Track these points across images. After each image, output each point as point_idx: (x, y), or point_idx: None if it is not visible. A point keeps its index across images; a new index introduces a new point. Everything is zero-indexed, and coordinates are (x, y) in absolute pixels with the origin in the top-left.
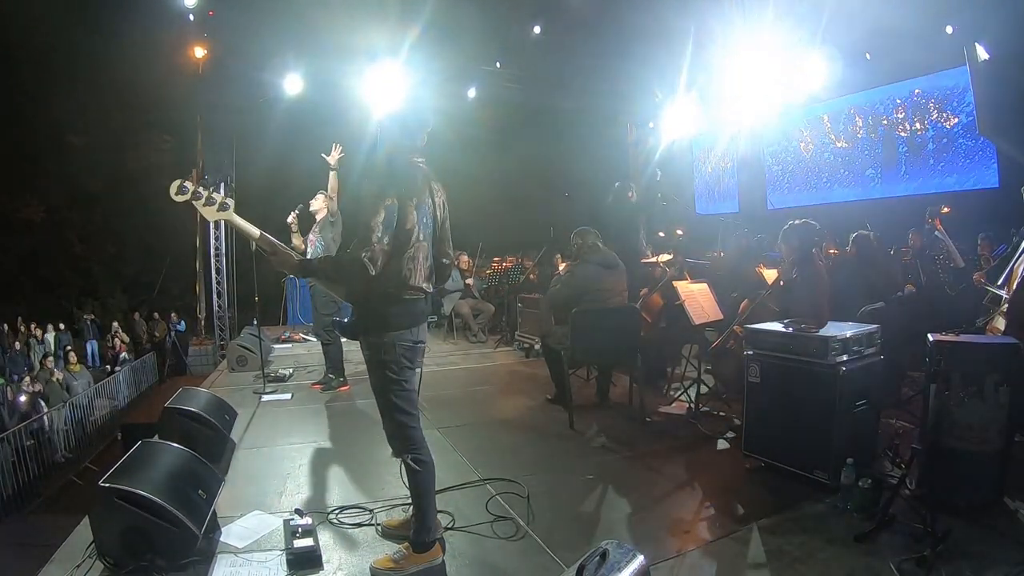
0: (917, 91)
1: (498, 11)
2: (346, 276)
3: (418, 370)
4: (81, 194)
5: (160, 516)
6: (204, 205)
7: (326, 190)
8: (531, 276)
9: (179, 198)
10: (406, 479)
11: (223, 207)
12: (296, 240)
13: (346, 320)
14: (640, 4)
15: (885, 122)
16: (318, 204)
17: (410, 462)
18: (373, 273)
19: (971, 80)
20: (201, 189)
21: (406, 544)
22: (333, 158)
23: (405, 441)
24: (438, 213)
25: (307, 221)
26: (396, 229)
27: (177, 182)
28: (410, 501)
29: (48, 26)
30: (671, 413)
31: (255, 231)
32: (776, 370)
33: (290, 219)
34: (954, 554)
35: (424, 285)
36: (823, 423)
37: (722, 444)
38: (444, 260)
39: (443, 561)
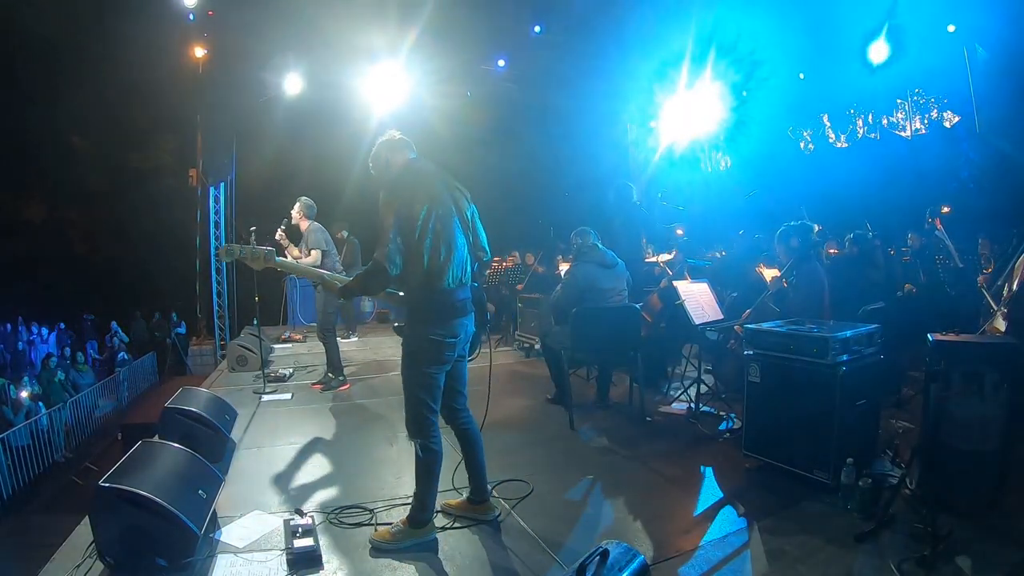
0: (917, 91)
1: (498, 11)
2: (374, 282)
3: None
4: (82, 194)
5: (160, 516)
6: (251, 261)
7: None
8: (537, 269)
9: (227, 259)
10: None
11: (268, 256)
12: (293, 252)
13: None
14: (640, 3)
15: (885, 122)
16: (296, 216)
17: (418, 448)
18: (394, 272)
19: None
20: (240, 249)
21: (403, 519)
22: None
23: (419, 428)
24: (462, 208)
25: (294, 233)
26: (418, 230)
27: (225, 247)
28: (410, 501)
29: (49, 26)
30: (671, 413)
31: (312, 270)
32: (776, 370)
33: (278, 236)
34: (954, 554)
35: (453, 278)
36: (823, 423)
37: (721, 443)
38: (480, 255)
39: (435, 537)
